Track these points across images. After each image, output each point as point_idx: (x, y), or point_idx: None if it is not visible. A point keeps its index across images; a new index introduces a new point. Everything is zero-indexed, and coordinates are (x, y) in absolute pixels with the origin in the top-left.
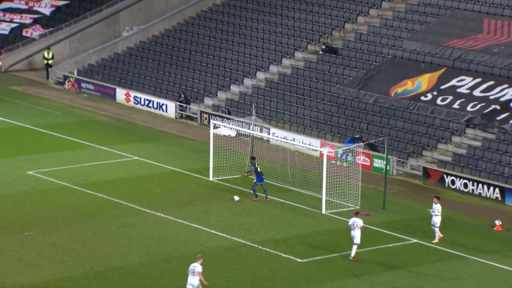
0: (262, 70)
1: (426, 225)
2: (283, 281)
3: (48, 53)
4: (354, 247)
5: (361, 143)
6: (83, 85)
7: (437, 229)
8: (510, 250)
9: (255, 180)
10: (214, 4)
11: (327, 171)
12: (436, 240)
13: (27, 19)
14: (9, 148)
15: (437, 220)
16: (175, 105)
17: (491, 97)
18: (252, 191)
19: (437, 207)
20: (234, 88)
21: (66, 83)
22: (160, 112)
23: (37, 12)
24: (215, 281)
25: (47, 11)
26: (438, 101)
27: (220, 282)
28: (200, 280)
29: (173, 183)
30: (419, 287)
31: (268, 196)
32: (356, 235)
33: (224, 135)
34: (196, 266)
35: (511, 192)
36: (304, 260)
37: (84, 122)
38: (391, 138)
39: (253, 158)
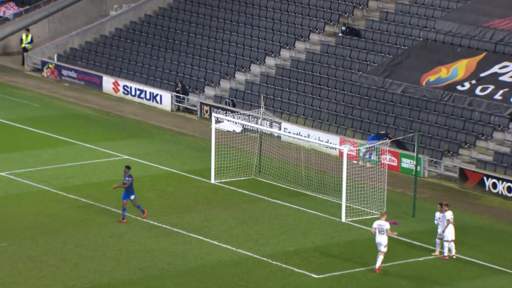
0: (272, 55)
1: (462, 236)
2: None
3: (27, 36)
4: (380, 257)
5: (387, 140)
6: (64, 72)
7: (452, 243)
8: None
9: (132, 196)
10: None
11: (347, 173)
12: (453, 254)
13: None
14: None
15: (449, 232)
16: (171, 96)
17: None
18: (137, 208)
19: (445, 216)
20: (240, 76)
21: (45, 70)
22: (154, 104)
23: None
24: None
25: None
26: (477, 91)
27: None
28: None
29: (169, 186)
30: None
31: (145, 211)
32: (382, 241)
33: (227, 131)
34: (384, 224)
35: None
36: (321, 276)
37: (65, 115)
38: (422, 134)
39: (128, 167)
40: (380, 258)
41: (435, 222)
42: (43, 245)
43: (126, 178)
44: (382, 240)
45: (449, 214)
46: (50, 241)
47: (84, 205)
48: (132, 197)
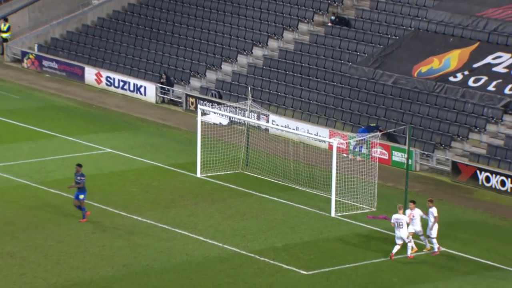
0: (260, 45)
1: (455, 231)
2: None
3: (5, 25)
4: (409, 244)
5: (378, 133)
6: (45, 63)
7: (435, 241)
8: None
9: (82, 196)
10: None
11: (337, 166)
12: (436, 252)
13: None
14: None
15: (434, 228)
16: (156, 88)
17: None
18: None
19: (432, 211)
20: (226, 67)
21: (25, 61)
22: (138, 95)
23: None
24: None
25: None
26: (470, 83)
27: None
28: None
29: (154, 180)
30: None
31: (85, 217)
32: (403, 235)
33: (214, 123)
34: (402, 218)
35: None
36: (310, 272)
37: (46, 107)
38: (414, 126)
39: (79, 165)
40: (410, 246)
41: (425, 217)
42: (23, 241)
43: (78, 177)
44: (402, 234)
45: (435, 211)
46: (30, 237)
47: (65, 200)
48: (82, 196)
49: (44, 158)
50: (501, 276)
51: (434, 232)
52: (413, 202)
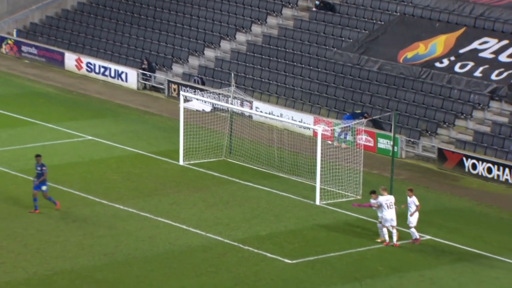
0: (243, 31)
1: (441, 219)
2: (269, 286)
3: None
4: (394, 231)
5: (363, 120)
6: (24, 48)
7: (414, 230)
8: None
9: (44, 187)
10: None
11: (322, 154)
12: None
13: None
14: None
15: (413, 218)
16: (137, 74)
17: None
18: (48, 200)
19: (413, 200)
20: (209, 53)
21: (3, 46)
22: (119, 82)
23: None
24: (187, 287)
25: None
26: (456, 68)
27: None
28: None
29: (135, 168)
30: None
31: (57, 202)
32: (394, 216)
33: (197, 110)
34: (391, 198)
35: None
36: (295, 261)
37: (25, 93)
38: (399, 113)
39: (38, 156)
40: (395, 232)
41: (374, 208)
42: (3, 230)
43: (38, 168)
44: (393, 215)
45: (416, 200)
46: (10, 226)
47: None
48: (45, 187)
49: (24, 145)
50: (487, 264)
51: (414, 221)
52: (411, 190)
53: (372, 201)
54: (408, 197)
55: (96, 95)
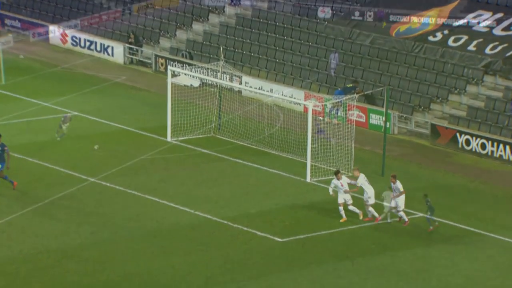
0: (232, 3)
1: (434, 196)
2: (259, 265)
3: None
4: (401, 214)
5: (355, 95)
6: (7, 21)
7: (402, 213)
8: None
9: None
10: None
11: (312, 130)
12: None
13: None
14: None
15: (401, 202)
16: (124, 48)
17: None
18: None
19: (397, 187)
20: (197, 26)
21: None
22: (105, 56)
23: None
24: (176, 266)
25: None
26: (450, 42)
27: (181, 266)
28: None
29: (122, 145)
30: (425, 272)
31: (14, 182)
32: (372, 191)
33: (185, 85)
34: (364, 177)
35: None
36: (285, 240)
37: (8, 68)
38: (392, 88)
39: None
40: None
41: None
42: None
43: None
44: (372, 191)
45: (401, 186)
46: None
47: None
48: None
49: (8, 121)
50: (481, 242)
51: (401, 204)
52: (394, 176)
53: (355, 182)
54: (392, 184)
55: (81, 70)
